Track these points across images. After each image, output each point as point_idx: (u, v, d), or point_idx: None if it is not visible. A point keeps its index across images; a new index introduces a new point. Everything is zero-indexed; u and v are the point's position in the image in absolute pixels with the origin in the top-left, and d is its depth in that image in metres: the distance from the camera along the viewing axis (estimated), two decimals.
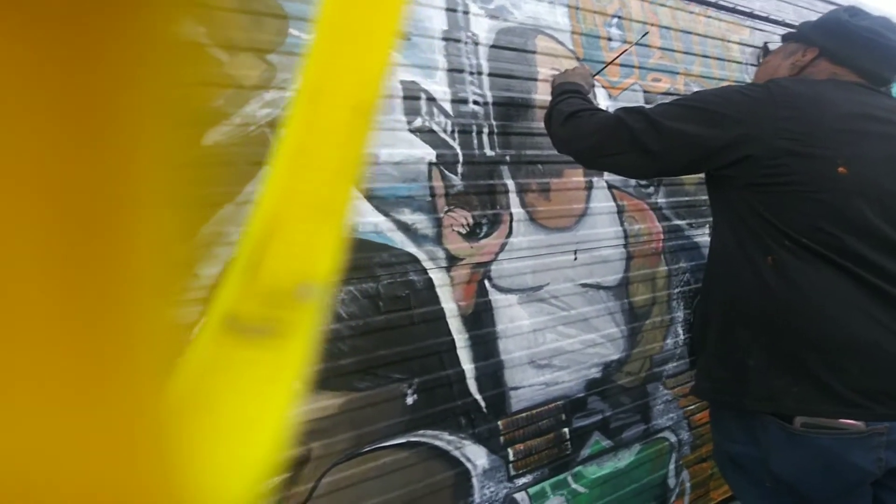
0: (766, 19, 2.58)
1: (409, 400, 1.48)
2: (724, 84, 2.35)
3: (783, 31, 2.66)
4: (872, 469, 1.39)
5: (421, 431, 1.51)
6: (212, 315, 0.31)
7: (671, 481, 2.14)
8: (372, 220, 1.44)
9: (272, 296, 0.31)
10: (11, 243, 0.20)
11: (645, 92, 2.11)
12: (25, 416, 0.21)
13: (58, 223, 0.20)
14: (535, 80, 1.81)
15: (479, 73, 1.69)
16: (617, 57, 1.90)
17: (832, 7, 2.47)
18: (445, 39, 1.63)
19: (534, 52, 1.81)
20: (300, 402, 0.33)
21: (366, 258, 1.42)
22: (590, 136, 1.52)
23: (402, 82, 1.52)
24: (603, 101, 1.96)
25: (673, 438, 2.14)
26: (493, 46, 1.72)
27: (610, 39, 2.01)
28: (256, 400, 0.31)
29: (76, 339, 0.21)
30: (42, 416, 0.21)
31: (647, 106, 1.56)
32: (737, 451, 1.56)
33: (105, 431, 0.23)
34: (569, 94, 1.63)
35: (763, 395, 1.43)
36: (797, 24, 1.81)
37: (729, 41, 2.47)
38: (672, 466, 2.14)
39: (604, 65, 1.88)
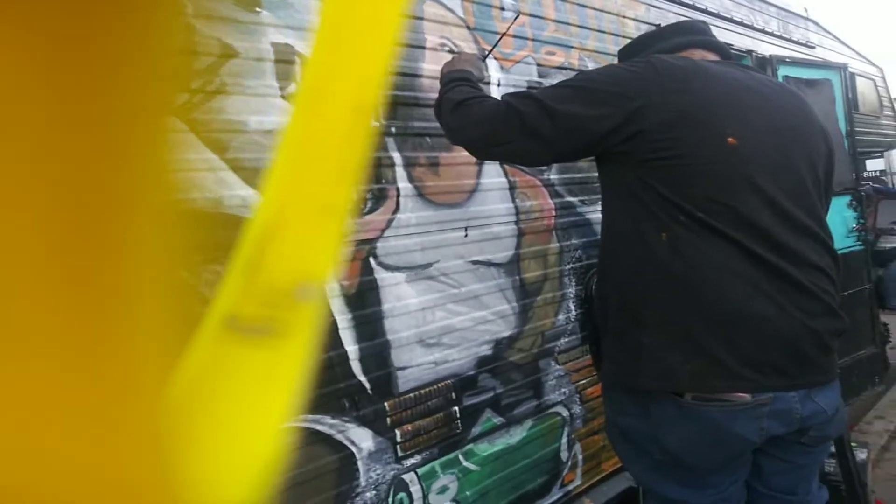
0: None
1: None
2: (609, 64, 2.36)
3: (679, 9, 2.70)
4: (755, 438, 1.44)
5: (301, 416, 1.44)
6: (212, 315, 0.31)
7: (563, 455, 2.16)
8: (240, 194, 1.33)
9: (272, 296, 0.31)
10: (12, 243, 0.20)
11: (538, 65, 2.08)
12: (26, 417, 0.21)
13: (59, 222, 0.20)
14: (423, 48, 1.74)
15: None
16: (495, 46, 1.84)
17: None
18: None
19: (421, 19, 1.74)
20: (300, 401, 0.32)
21: (233, 235, 1.32)
22: (479, 125, 1.47)
23: (274, 44, 1.41)
24: (495, 73, 1.91)
25: (565, 413, 2.17)
26: None
27: (503, 9, 1.96)
28: (256, 399, 0.31)
29: (77, 339, 0.22)
30: (42, 416, 0.21)
31: (535, 90, 1.52)
32: (628, 424, 1.59)
33: (105, 431, 0.23)
34: (457, 81, 1.57)
35: (658, 373, 1.45)
36: (690, 2, 1.84)
37: (625, 17, 2.47)
38: (564, 440, 2.16)
39: (489, 51, 1.83)
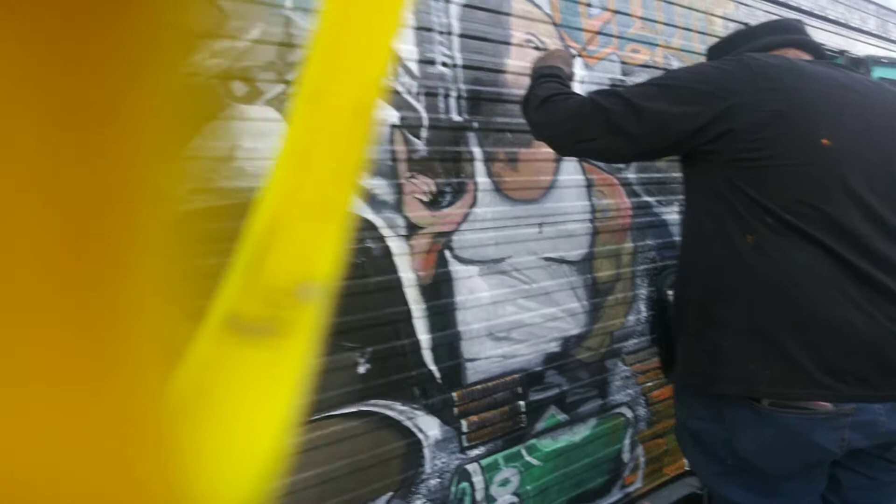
0: None
1: (362, 369, 1.45)
2: (699, 63, 2.30)
3: (769, 7, 2.61)
4: (835, 449, 1.39)
5: (372, 401, 1.48)
6: (213, 314, 0.31)
7: (625, 456, 2.15)
8: None
9: (273, 295, 0.31)
10: (12, 243, 0.20)
11: (622, 63, 2.05)
12: (26, 417, 0.21)
13: (59, 222, 0.20)
14: (509, 43, 1.74)
15: (450, 34, 1.62)
16: (588, 44, 1.84)
17: None
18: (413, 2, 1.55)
19: (508, 15, 1.74)
20: (301, 401, 0.33)
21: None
22: (564, 122, 1.47)
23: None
24: (579, 70, 1.90)
25: (629, 414, 2.15)
26: (465, 6, 1.65)
27: (589, 5, 1.94)
28: (257, 399, 0.31)
29: (77, 338, 0.22)
30: (43, 416, 0.21)
31: (621, 88, 1.50)
32: (699, 427, 1.56)
33: (106, 431, 0.23)
34: (546, 77, 1.57)
35: (737, 378, 1.42)
36: None
37: (713, 14, 2.41)
38: (627, 441, 2.15)
39: (580, 48, 1.82)
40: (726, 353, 1.43)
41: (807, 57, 1.53)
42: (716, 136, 1.38)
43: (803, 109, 1.36)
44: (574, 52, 1.76)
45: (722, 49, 1.64)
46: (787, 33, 1.59)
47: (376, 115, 0.32)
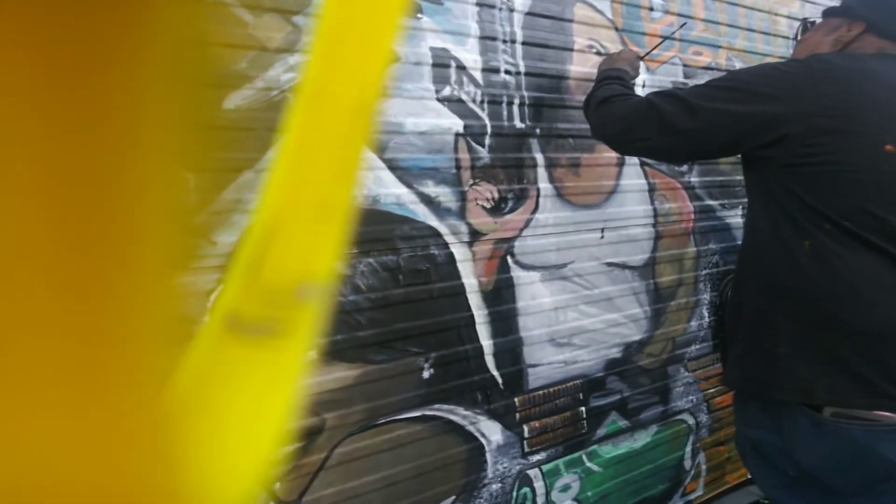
0: None
1: (426, 374, 1.47)
2: (769, 60, 2.25)
3: (835, 3, 2.54)
4: None
5: (436, 405, 1.50)
6: (213, 314, 0.31)
7: (687, 463, 2.12)
8: (394, 192, 1.40)
9: (273, 295, 0.30)
10: (13, 242, 0.20)
11: (685, 66, 2.02)
12: (26, 417, 0.21)
13: (59, 221, 0.20)
14: (571, 50, 1.74)
15: (513, 42, 1.63)
16: (655, 47, 1.82)
17: None
18: (479, 5, 1.57)
19: (571, 21, 1.74)
20: (301, 402, 0.33)
21: (387, 230, 1.40)
22: (619, 122, 1.48)
23: (432, 49, 1.47)
24: (641, 74, 1.88)
25: (691, 421, 2.12)
26: (528, 14, 1.65)
27: (651, 9, 1.93)
28: (257, 399, 0.31)
29: (77, 338, 0.21)
30: (42, 416, 0.21)
31: (680, 89, 1.50)
32: (760, 437, 1.54)
33: (105, 431, 0.23)
34: (610, 80, 1.58)
35: (793, 386, 1.40)
36: None
37: (777, 14, 2.36)
38: (689, 448, 2.12)
39: (647, 51, 1.81)
40: (781, 361, 1.41)
41: None
42: (772, 141, 1.36)
43: (867, 115, 1.33)
44: (640, 53, 1.75)
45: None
46: None
47: (376, 115, 0.32)
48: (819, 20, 1.66)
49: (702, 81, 1.55)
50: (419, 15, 1.44)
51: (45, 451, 0.21)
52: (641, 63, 1.75)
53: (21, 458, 0.21)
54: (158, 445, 0.25)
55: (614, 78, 1.57)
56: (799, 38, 1.75)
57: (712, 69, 2.08)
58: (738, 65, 2.18)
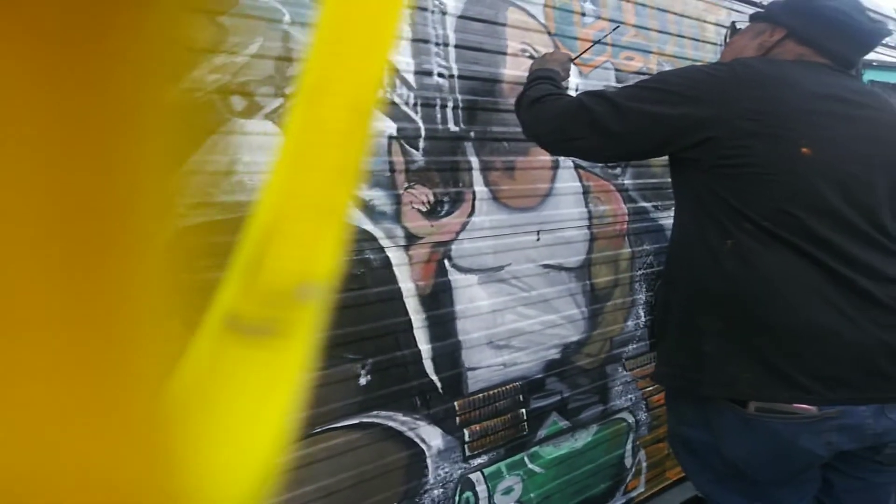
0: (744, 1, 2.54)
1: (363, 380, 1.45)
2: (688, 66, 2.31)
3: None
4: (822, 453, 1.41)
5: (374, 412, 1.48)
6: (212, 315, 0.31)
7: (628, 461, 2.15)
8: None
9: (272, 296, 0.31)
10: (13, 244, 0.20)
11: (617, 70, 2.06)
12: (26, 417, 0.21)
13: (59, 224, 0.21)
14: (505, 53, 1.75)
15: (446, 45, 1.62)
16: (587, 49, 1.85)
17: None
18: (411, 8, 1.56)
19: (504, 25, 1.75)
20: (301, 401, 0.33)
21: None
22: (551, 121, 1.49)
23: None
24: (574, 78, 1.91)
25: (631, 419, 2.15)
26: (461, 17, 1.65)
27: (584, 14, 1.95)
28: (257, 400, 0.31)
29: (76, 339, 0.22)
30: (43, 416, 0.21)
31: (610, 89, 1.52)
32: (690, 434, 1.58)
33: (105, 431, 0.23)
34: (540, 80, 1.60)
35: (719, 381, 1.44)
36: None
37: (705, 21, 2.42)
38: (629, 447, 2.15)
39: (578, 54, 1.83)
40: (707, 357, 1.45)
41: (823, 62, 1.51)
42: (697, 143, 1.40)
43: (785, 119, 1.37)
44: (571, 55, 1.78)
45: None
46: (835, 39, 1.51)
47: (376, 114, 0.32)
48: (746, 24, 1.71)
49: (631, 83, 1.58)
50: None
51: (45, 451, 0.21)
52: (573, 66, 1.78)
53: (21, 458, 0.21)
54: (158, 445, 0.25)
55: (545, 78, 1.59)
56: (728, 40, 1.81)
57: (643, 74, 2.12)
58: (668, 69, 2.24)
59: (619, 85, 2.04)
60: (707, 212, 1.44)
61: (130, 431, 0.24)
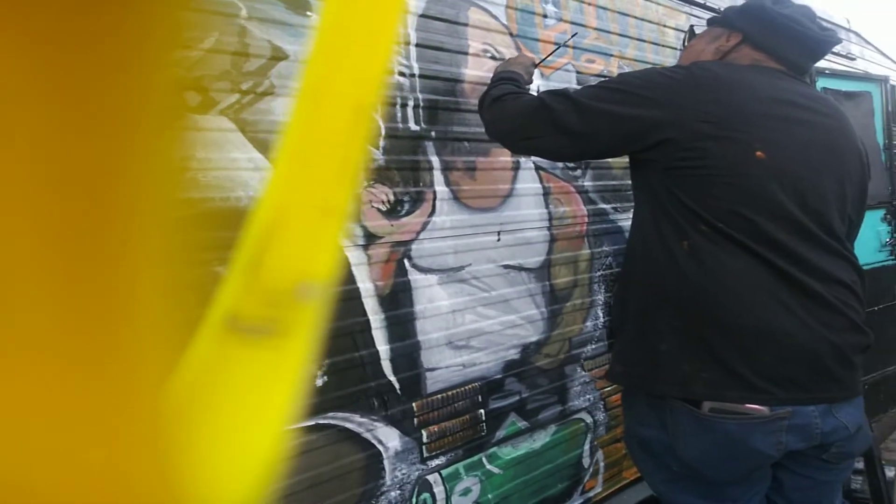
0: (704, 6, 2.59)
1: (319, 381, 1.43)
2: (649, 68, 2.34)
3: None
4: (772, 452, 1.43)
5: (331, 413, 1.46)
6: (212, 315, 0.31)
7: (586, 461, 2.17)
8: None
9: (272, 295, 0.31)
10: (11, 243, 0.20)
11: (578, 73, 2.07)
12: (26, 417, 0.21)
13: (59, 223, 0.20)
14: (466, 53, 1.75)
15: (407, 43, 1.61)
16: (551, 54, 1.86)
17: None
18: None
19: (465, 25, 1.75)
20: (300, 401, 0.33)
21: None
22: (512, 119, 1.50)
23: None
24: (535, 80, 1.91)
25: (589, 419, 2.17)
26: (422, 16, 1.64)
27: (545, 16, 1.96)
28: (257, 400, 0.31)
29: (77, 340, 0.21)
30: (42, 416, 0.21)
31: (571, 89, 1.53)
32: (645, 434, 1.59)
33: (105, 431, 0.23)
34: (503, 80, 1.61)
35: (673, 380, 1.46)
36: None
37: (665, 26, 2.46)
38: (587, 447, 2.17)
39: (542, 58, 1.84)
40: (663, 356, 1.47)
41: (778, 67, 1.54)
42: (655, 144, 1.42)
43: (740, 122, 1.40)
44: (539, 57, 1.79)
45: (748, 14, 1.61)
46: (791, 45, 1.54)
47: (376, 114, 0.32)
48: (704, 28, 1.74)
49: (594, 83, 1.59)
50: (308, 13, 1.40)
51: (45, 451, 0.21)
52: (537, 70, 1.79)
53: (21, 458, 0.21)
54: (158, 446, 0.25)
55: (508, 79, 1.60)
56: (686, 44, 1.83)
57: (604, 76, 2.14)
58: None
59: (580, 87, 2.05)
60: (664, 212, 1.46)
61: (131, 432, 0.24)
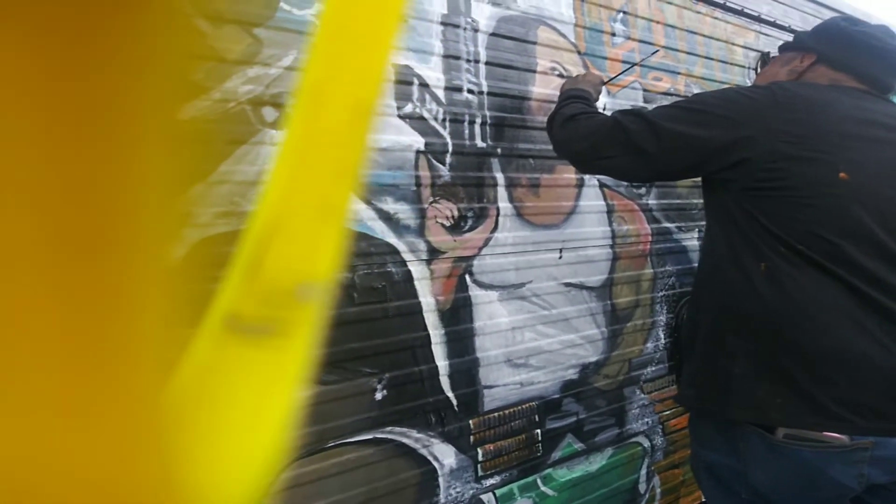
0: (773, 24, 2.53)
1: (378, 395, 1.43)
2: (726, 87, 2.30)
3: (788, 36, 2.61)
4: (853, 485, 1.37)
5: (388, 428, 1.46)
6: (212, 315, 0.31)
7: (642, 486, 2.12)
8: (352, 208, 1.38)
9: (273, 295, 0.31)
10: (12, 244, 0.20)
11: (644, 91, 2.05)
12: (26, 417, 0.21)
13: (58, 222, 0.20)
14: (534, 71, 1.75)
15: (476, 61, 1.62)
16: (622, 73, 1.84)
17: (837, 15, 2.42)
18: (444, 24, 1.56)
19: (534, 43, 1.75)
20: (300, 401, 0.32)
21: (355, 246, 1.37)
22: (585, 139, 1.48)
23: (395, 66, 1.45)
24: (602, 98, 1.90)
25: (646, 443, 2.12)
26: (492, 34, 1.65)
27: (614, 35, 1.95)
28: (257, 400, 0.31)
29: (76, 338, 0.21)
30: (42, 416, 0.21)
31: (646, 108, 1.51)
32: (714, 460, 1.54)
33: (105, 431, 0.23)
34: (573, 98, 1.59)
35: (747, 405, 1.41)
36: (802, 29, 1.76)
37: (734, 44, 2.41)
38: (644, 472, 2.12)
39: (613, 76, 1.82)
40: (736, 381, 1.43)
41: (860, 87, 1.50)
42: (733, 164, 1.39)
43: (823, 143, 1.36)
44: (605, 77, 1.77)
45: (820, 38, 1.58)
46: (869, 63, 1.51)
47: (376, 114, 0.32)
48: (776, 54, 1.70)
49: (666, 103, 1.57)
50: None
51: (45, 452, 0.21)
52: (604, 88, 1.77)
53: (21, 459, 0.21)
54: (158, 446, 0.25)
55: (578, 98, 1.58)
56: (758, 70, 1.79)
57: (671, 94, 2.11)
58: (697, 91, 2.22)
59: (647, 105, 2.03)
60: (741, 233, 1.42)
61: (131, 431, 0.24)
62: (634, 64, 1.86)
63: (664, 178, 1.79)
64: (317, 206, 0.31)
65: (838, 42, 1.51)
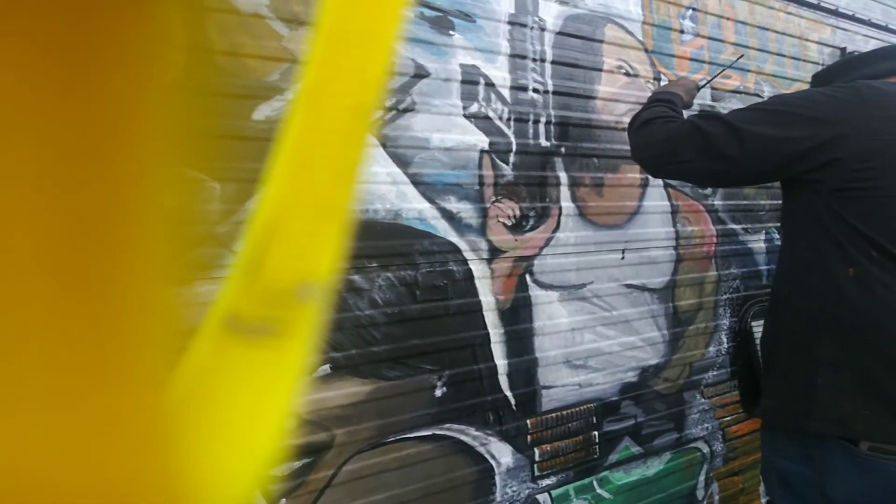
0: (852, 18, 2.43)
1: (438, 392, 1.45)
2: (796, 86, 2.22)
3: (868, 30, 2.51)
4: None
5: (447, 425, 1.47)
6: (213, 314, 0.31)
7: (699, 493, 2.08)
8: (416, 207, 1.39)
9: (273, 296, 0.31)
10: (13, 244, 0.20)
11: (713, 89, 2.00)
12: (27, 417, 0.21)
13: (59, 223, 0.21)
14: (600, 70, 1.73)
15: (543, 61, 1.61)
16: (715, 76, 1.80)
17: None
18: (511, 23, 1.56)
19: (601, 42, 1.73)
20: (300, 401, 0.34)
21: (407, 245, 1.38)
22: (662, 144, 1.45)
23: (462, 66, 1.46)
24: None
25: (705, 449, 2.08)
26: (559, 33, 1.64)
27: (682, 32, 1.90)
28: (257, 399, 0.31)
29: (77, 338, 0.21)
30: (43, 416, 0.21)
31: (723, 112, 1.46)
32: (788, 468, 1.50)
33: (106, 431, 0.23)
34: (659, 102, 1.56)
35: (831, 417, 1.36)
36: (883, 23, 1.69)
37: (808, 40, 2.32)
38: (702, 478, 2.08)
39: (706, 80, 1.78)
40: (820, 391, 1.37)
41: None
42: (821, 165, 1.34)
43: None
44: (699, 83, 1.72)
45: (830, 75, 1.57)
46: None
47: (375, 115, 0.32)
48: (856, 51, 1.64)
49: (730, 105, 1.52)
50: (451, 32, 1.42)
51: (45, 452, 0.21)
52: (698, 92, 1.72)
53: (21, 459, 0.21)
54: (158, 445, 0.25)
55: (664, 101, 1.55)
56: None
57: (741, 93, 2.05)
58: (767, 89, 2.16)
59: (715, 103, 1.98)
60: (828, 236, 1.37)
61: (131, 431, 0.24)
62: (726, 67, 1.81)
63: (743, 182, 1.73)
64: (316, 206, 0.31)
65: (864, 59, 1.47)
